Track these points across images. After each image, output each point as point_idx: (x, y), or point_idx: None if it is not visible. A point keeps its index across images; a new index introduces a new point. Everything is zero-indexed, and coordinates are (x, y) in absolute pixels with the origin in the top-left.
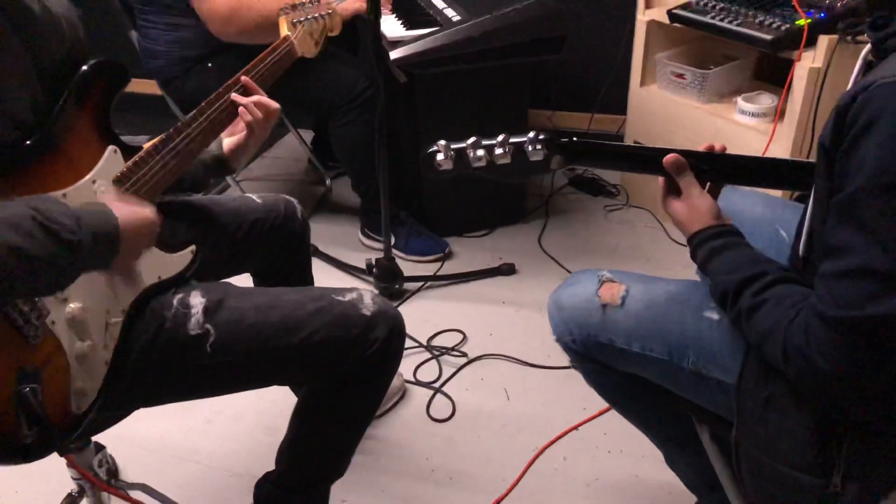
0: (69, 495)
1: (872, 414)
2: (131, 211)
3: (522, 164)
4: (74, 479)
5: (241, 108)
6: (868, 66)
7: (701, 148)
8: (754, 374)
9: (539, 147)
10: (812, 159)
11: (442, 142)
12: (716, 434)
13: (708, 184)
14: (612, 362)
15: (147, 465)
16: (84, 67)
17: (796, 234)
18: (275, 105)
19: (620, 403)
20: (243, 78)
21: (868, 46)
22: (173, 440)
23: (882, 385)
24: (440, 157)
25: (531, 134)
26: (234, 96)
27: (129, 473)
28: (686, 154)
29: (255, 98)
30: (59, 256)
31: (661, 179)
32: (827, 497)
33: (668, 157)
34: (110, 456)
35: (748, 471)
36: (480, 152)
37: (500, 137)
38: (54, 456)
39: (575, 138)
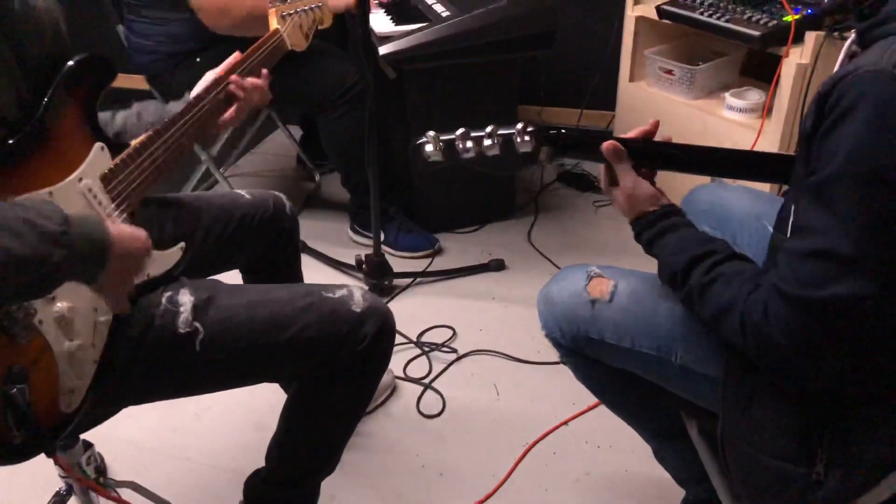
0: (57, 493)
1: (826, 386)
2: (122, 228)
3: (511, 155)
4: (62, 477)
5: (238, 91)
6: (852, 57)
7: (637, 132)
8: (739, 367)
9: (527, 138)
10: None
11: (431, 133)
12: (704, 428)
13: (643, 169)
14: (602, 357)
15: (135, 463)
16: (70, 63)
17: (777, 224)
18: (268, 94)
19: (609, 398)
20: (232, 77)
21: (853, 36)
22: (162, 437)
23: (836, 360)
24: (429, 148)
25: (519, 125)
26: (234, 77)
27: (117, 471)
28: (667, 145)
29: (252, 80)
30: (46, 255)
31: (601, 167)
32: (810, 485)
33: (606, 145)
34: (98, 454)
35: (734, 463)
36: (469, 144)
37: (489, 129)
38: (42, 454)
39: (563, 129)
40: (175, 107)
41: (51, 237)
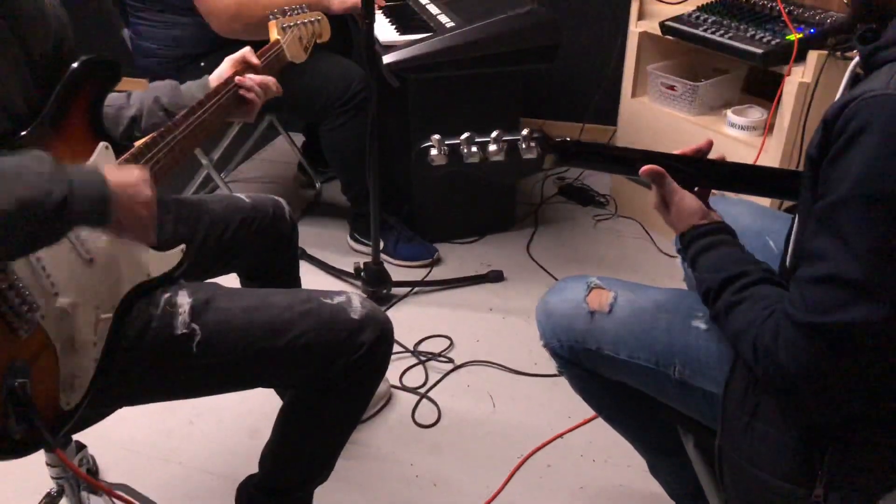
0: (48, 495)
1: (834, 416)
2: (112, 167)
3: (515, 162)
4: (54, 478)
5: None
6: (856, 79)
7: (689, 149)
8: (742, 383)
9: (533, 145)
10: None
11: (436, 136)
12: (700, 443)
13: (696, 189)
14: (599, 369)
15: (128, 466)
16: (75, 64)
17: (785, 245)
18: (277, 86)
19: (606, 410)
20: (237, 78)
21: (856, 59)
22: (155, 441)
23: (844, 388)
24: (434, 151)
25: (525, 132)
26: (238, 79)
27: (109, 474)
28: (671, 158)
29: (260, 79)
30: (48, 191)
31: (654, 187)
32: None
33: (645, 169)
34: (90, 456)
35: (731, 479)
36: (474, 149)
37: (494, 134)
38: (33, 454)
39: (568, 138)
40: (190, 87)
41: (48, 175)
